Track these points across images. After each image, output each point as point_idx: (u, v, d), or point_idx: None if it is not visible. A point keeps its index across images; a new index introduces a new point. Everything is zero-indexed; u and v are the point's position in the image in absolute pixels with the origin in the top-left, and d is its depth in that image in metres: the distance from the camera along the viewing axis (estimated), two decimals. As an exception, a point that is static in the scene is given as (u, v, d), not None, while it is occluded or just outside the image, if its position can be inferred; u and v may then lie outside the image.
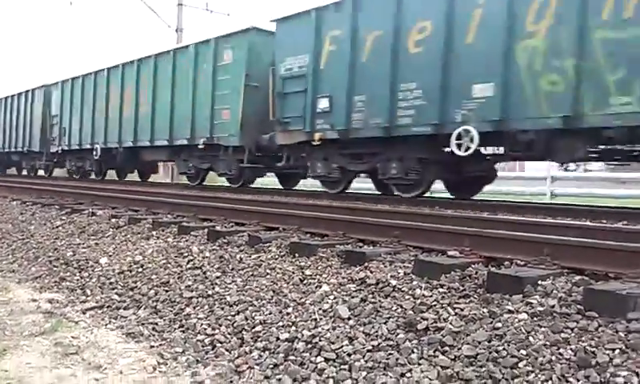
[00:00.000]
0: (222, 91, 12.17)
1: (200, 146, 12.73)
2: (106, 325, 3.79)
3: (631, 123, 6.43)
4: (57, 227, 7.30)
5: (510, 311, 2.84)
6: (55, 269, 5.42)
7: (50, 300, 4.45)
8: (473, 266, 3.60)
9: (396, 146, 9.01)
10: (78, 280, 4.97)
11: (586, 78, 6.76)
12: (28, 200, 10.10)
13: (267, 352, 3.03)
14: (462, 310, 2.96)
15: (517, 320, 2.73)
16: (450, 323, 2.84)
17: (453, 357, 2.61)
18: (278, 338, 3.12)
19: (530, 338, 2.56)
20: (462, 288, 3.25)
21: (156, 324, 3.70)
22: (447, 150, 8.17)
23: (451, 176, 9.43)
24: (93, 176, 18.02)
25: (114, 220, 6.98)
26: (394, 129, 8.76)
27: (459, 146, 7.83)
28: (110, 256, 5.46)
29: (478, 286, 3.25)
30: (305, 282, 3.85)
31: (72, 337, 3.52)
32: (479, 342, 2.63)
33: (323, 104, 9.78)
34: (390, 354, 2.72)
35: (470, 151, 7.70)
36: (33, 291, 4.78)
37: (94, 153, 16.68)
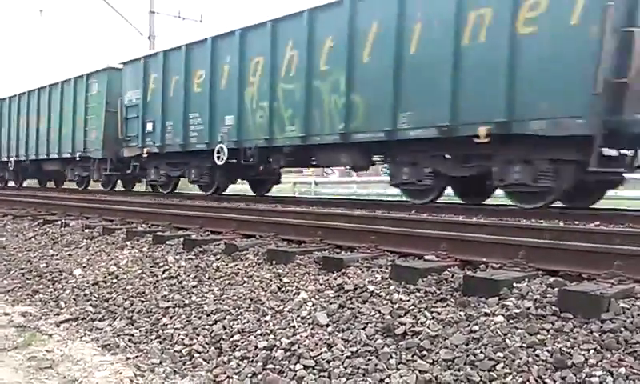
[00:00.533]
0: (91, 115, 15.91)
1: (77, 159, 16.33)
2: (81, 337, 3.73)
3: (296, 143, 10.25)
4: (29, 239, 7.18)
5: (486, 314, 2.86)
6: (28, 281, 5.32)
7: (23, 313, 4.36)
8: (449, 269, 3.62)
9: (191, 157, 12.69)
10: (51, 292, 4.88)
11: (274, 114, 10.54)
12: (-1, 211, 9.90)
13: (246, 361, 3.01)
14: (439, 313, 2.98)
15: (493, 323, 2.75)
16: (428, 327, 2.85)
17: (431, 361, 2.62)
18: (256, 347, 3.10)
19: (507, 341, 2.58)
20: (438, 292, 3.27)
21: (132, 335, 3.65)
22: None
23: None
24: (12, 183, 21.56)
25: (87, 230, 6.88)
26: (188, 146, 12.50)
27: (219, 157, 11.52)
28: (84, 267, 5.37)
29: (455, 289, 3.27)
30: (283, 289, 3.83)
31: (46, 350, 3.46)
32: (457, 346, 2.65)
33: (149, 127, 13.55)
34: (369, 359, 2.72)
35: (223, 162, 11.47)
36: (5, 305, 4.68)
37: (9, 164, 20.36)
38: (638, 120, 6.50)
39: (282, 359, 2.91)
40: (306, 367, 2.79)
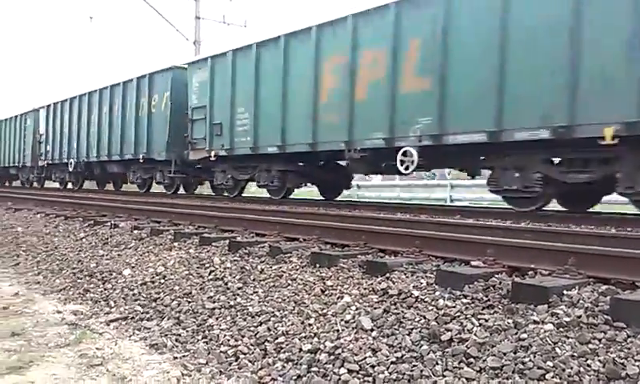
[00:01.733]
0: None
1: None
2: (130, 336, 3.82)
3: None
4: (80, 239, 7.39)
5: (535, 322, 2.80)
6: (79, 280, 5.48)
7: (75, 311, 4.49)
8: (496, 275, 3.56)
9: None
10: (101, 291, 5.02)
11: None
12: (52, 212, 10.24)
13: (290, 363, 3.03)
14: (486, 320, 2.93)
15: (542, 331, 2.69)
16: (475, 334, 2.81)
17: (478, 368, 2.58)
18: (300, 349, 3.12)
19: (557, 349, 2.52)
20: (485, 298, 3.22)
21: (179, 335, 3.72)
22: None
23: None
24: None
25: (136, 231, 7.04)
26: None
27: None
28: (133, 267, 5.50)
29: (502, 296, 3.21)
30: (326, 292, 3.84)
31: (96, 348, 3.56)
32: (504, 354, 2.60)
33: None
34: (415, 365, 2.70)
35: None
36: (57, 303, 4.83)
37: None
38: None
39: (326, 362, 2.92)
40: (350, 371, 2.79)
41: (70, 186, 21.42)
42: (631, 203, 7.47)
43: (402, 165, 8.96)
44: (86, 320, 4.25)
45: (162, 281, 4.88)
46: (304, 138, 10.85)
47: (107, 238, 7.05)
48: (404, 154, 8.89)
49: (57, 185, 22.57)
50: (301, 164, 12.06)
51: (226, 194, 13.91)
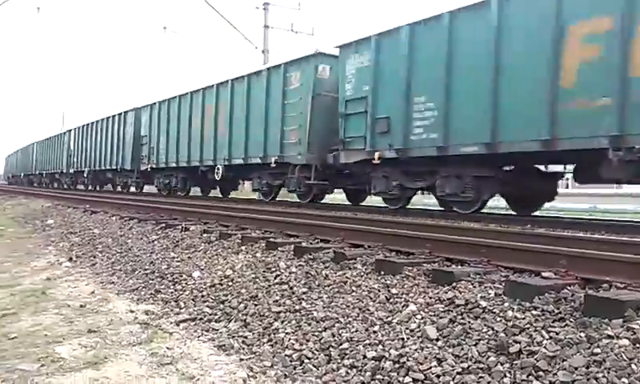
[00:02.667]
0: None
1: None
2: (199, 337, 3.93)
3: None
4: (152, 241, 7.67)
5: (609, 336, 2.69)
6: (151, 281, 5.69)
7: (146, 311, 4.66)
8: (568, 287, 3.44)
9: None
10: (172, 292, 5.19)
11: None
12: (126, 215, 10.67)
13: (354, 370, 3.03)
14: (557, 333, 2.84)
15: (617, 346, 2.58)
16: (545, 347, 2.73)
17: (547, 382, 2.51)
18: (364, 356, 3.12)
19: (633, 366, 2.42)
20: (556, 311, 3.12)
21: (245, 337, 3.79)
22: None
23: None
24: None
25: (205, 235, 7.23)
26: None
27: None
28: (202, 270, 5.66)
29: (575, 309, 3.10)
30: (391, 300, 3.82)
31: (167, 348, 3.68)
32: (576, 368, 2.51)
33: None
34: (481, 377, 2.65)
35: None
36: (130, 302, 5.03)
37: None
38: None
39: (390, 370, 2.91)
40: (415, 380, 2.77)
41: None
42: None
43: None
44: (157, 320, 4.40)
45: (230, 283, 5.00)
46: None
47: (178, 241, 7.28)
48: None
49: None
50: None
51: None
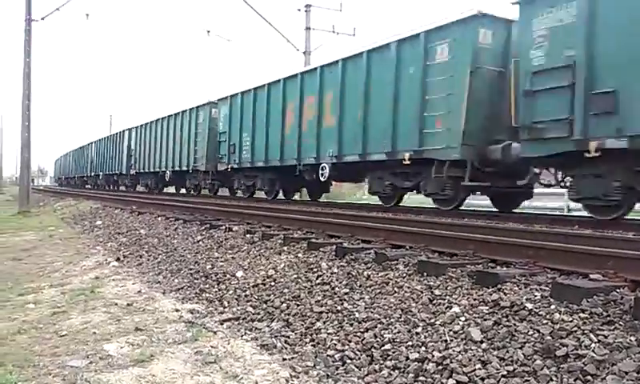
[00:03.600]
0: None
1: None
2: (242, 336, 3.98)
3: None
4: (197, 242, 7.79)
5: (662, 341, 2.60)
6: (196, 281, 5.78)
7: (191, 310, 4.74)
8: (617, 290, 3.34)
9: None
10: (216, 292, 5.26)
11: None
12: (171, 216, 10.87)
13: (397, 371, 3.02)
14: (605, 337, 2.76)
15: (671, 351, 2.49)
16: (593, 351, 2.66)
17: (596, 387, 2.44)
18: (407, 358, 3.10)
19: (688, 372, 2.33)
20: (605, 314, 3.03)
21: (288, 337, 3.82)
22: None
23: None
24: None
25: (248, 235, 7.31)
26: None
27: None
28: (246, 270, 5.72)
29: (624, 311, 3.01)
30: (434, 301, 3.79)
31: (211, 346, 3.73)
32: (626, 373, 2.44)
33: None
34: (527, 380, 2.60)
35: None
36: (176, 301, 5.12)
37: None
38: None
39: (433, 372, 2.88)
40: (458, 382, 2.74)
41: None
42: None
43: None
44: (202, 319, 4.47)
45: (273, 283, 5.04)
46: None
47: (222, 241, 7.38)
48: None
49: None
50: None
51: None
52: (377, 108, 11.32)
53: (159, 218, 11.03)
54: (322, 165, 13.03)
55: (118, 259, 7.74)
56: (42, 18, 20.55)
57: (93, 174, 37.41)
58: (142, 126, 26.80)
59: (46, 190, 41.79)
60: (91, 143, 38.67)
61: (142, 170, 26.58)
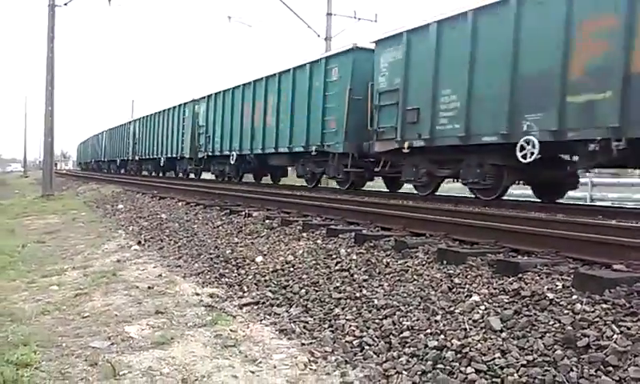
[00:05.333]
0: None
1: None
2: (261, 320, 4.00)
3: None
4: (217, 227, 7.84)
5: (687, 334, 2.56)
6: (215, 265, 5.83)
7: (211, 294, 4.79)
8: (642, 281, 3.29)
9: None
10: (235, 277, 5.30)
11: None
12: (192, 201, 10.95)
13: (415, 358, 3.02)
14: (628, 328, 2.73)
15: (695, 344, 2.45)
16: (615, 342, 2.63)
17: (617, 378, 2.42)
18: (426, 346, 3.09)
19: None
20: (628, 305, 2.99)
21: (307, 322, 3.84)
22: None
23: None
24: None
25: (267, 221, 7.34)
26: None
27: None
28: (265, 255, 5.75)
29: (648, 303, 2.97)
30: (453, 290, 3.77)
31: (230, 330, 3.77)
32: (650, 365, 2.40)
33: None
34: (547, 370, 2.58)
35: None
36: (196, 285, 5.17)
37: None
38: None
39: (452, 360, 2.87)
40: (477, 371, 2.73)
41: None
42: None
43: None
44: (221, 303, 4.51)
45: (291, 269, 5.06)
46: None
47: (241, 227, 7.42)
48: None
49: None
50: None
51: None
52: (296, 113, 14.93)
53: (180, 203, 11.12)
54: (267, 153, 16.93)
55: (139, 243, 7.82)
56: (65, 4, 20.64)
57: (106, 159, 41.36)
58: (144, 117, 31.00)
59: (69, 174, 42.38)
60: (103, 132, 42.61)
61: (144, 157, 30.32)
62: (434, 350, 3.01)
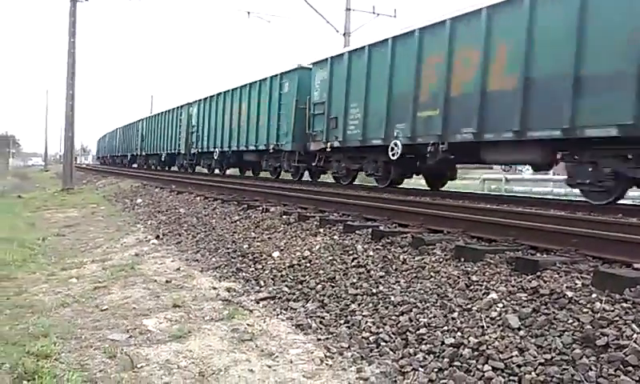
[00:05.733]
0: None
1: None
2: (277, 315, 4.02)
3: None
4: (235, 222, 7.87)
5: None
6: (233, 260, 5.85)
7: (228, 289, 4.81)
8: (663, 281, 3.24)
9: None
10: (252, 271, 5.32)
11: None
12: (210, 196, 11.01)
13: (432, 355, 3.01)
14: (649, 328, 2.69)
15: None
16: (635, 341, 2.60)
17: (637, 378, 2.39)
18: (442, 343, 3.08)
19: None
20: (649, 304, 2.95)
21: (323, 318, 3.84)
22: None
23: None
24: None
25: (285, 216, 7.34)
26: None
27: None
28: (282, 250, 5.76)
29: (670, 303, 2.92)
30: (471, 287, 3.75)
31: (247, 324, 3.79)
32: (670, 366, 2.37)
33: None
34: (565, 369, 2.55)
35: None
36: (213, 280, 5.20)
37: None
38: None
39: (469, 358, 2.86)
40: (494, 369, 2.71)
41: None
42: None
43: None
44: (238, 297, 4.53)
45: (308, 264, 5.06)
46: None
47: (259, 222, 7.43)
48: None
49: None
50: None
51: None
52: (260, 118, 18.16)
53: (198, 198, 11.18)
54: (241, 150, 19.91)
55: (157, 237, 7.89)
56: (87, -1, 20.89)
57: (120, 154, 45.19)
58: (149, 117, 35.10)
59: (89, 168, 42.93)
60: (117, 129, 46.79)
61: (150, 153, 34.18)
62: (451, 348, 2.99)
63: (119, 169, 34.12)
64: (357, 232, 5.72)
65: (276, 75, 17.20)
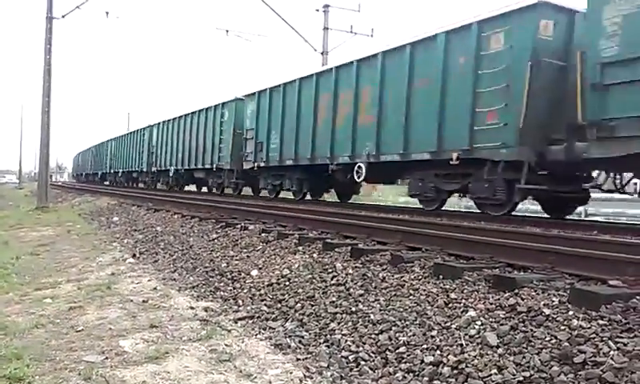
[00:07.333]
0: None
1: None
2: (256, 335, 3.98)
3: None
4: (213, 240, 7.82)
5: (683, 350, 2.56)
6: (211, 279, 5.80)
7: (206, 308, 4.76)
8: (637, 297, 3.29)
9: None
10: (231, 290, 5.28)
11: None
12: (187, 214, 10.93)
13: (411, 374, 3.00)
14: (625, 344, 2.72)
15: (692, 361, 2.45)
16: (612, 358, 2.62)
17: (615, 396, 2.40)
18: (422, 361, 3.08)
19: None
20: (624, 321, 2.98)
21: (302, 337, 3.82)
22: None
23: None
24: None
25: (264, 234, 7.32)
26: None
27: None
28: (260, 269, 5.73)
29: (644, 320, 2.96)
30: (450, 305, 3.76)
31: (225, 344, 3.74)
32: (646, 382, 2.40)
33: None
34: (544, 387, 2.57)
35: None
36: (191, 299, 5.14)
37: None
38: None
39: (448, 376, 2.86)
40: (474, 387, 2.71)
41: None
42: None
43: None
44: (216, 317, 4.49)
45: (287, 283, 5.04)
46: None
47: (237, 240, 7.39)
48: None
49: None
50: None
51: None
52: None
53: (175, 216, 11.09)
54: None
55: (134, 256, 7.79)
56: (63, 16, 20.66)
57: (92, 171, 47.17)
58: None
59: (65, 186, 42.30)
60: (90, 148, 48.63)
61: (117, 170, 36.13)
62: (431, 366, 2.99)
63: (95, 186, 33.50)
64: (336, 250, 5.72)
65: (218, 105, 20.11)
